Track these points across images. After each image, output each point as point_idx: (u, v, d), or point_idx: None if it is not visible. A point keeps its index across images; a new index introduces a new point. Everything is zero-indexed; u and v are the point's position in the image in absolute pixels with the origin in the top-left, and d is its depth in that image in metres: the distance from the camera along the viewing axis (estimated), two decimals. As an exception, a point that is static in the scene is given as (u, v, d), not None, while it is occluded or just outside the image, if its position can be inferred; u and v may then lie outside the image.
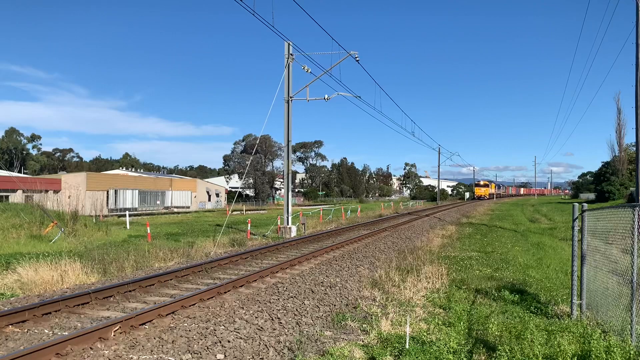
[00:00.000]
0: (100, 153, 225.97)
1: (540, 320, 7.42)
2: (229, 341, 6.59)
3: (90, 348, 6.25)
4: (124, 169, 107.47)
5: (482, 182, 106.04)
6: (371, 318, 7.97)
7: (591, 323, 7.00)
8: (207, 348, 6.32)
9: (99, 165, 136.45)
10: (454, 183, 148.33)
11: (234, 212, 53.35)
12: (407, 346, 6.19)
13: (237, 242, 19.11)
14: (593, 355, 5.46)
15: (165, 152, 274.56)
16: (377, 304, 9.11)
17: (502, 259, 15.05)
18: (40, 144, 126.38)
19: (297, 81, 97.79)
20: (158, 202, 64.71)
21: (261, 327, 7.33)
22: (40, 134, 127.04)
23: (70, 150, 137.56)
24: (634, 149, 18.67)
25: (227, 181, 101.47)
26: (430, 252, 15.99)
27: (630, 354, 5.47)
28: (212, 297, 9.26)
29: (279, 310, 8.37)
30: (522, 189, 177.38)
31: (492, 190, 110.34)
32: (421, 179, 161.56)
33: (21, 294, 9.75)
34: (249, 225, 24.21)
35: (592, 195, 78.12)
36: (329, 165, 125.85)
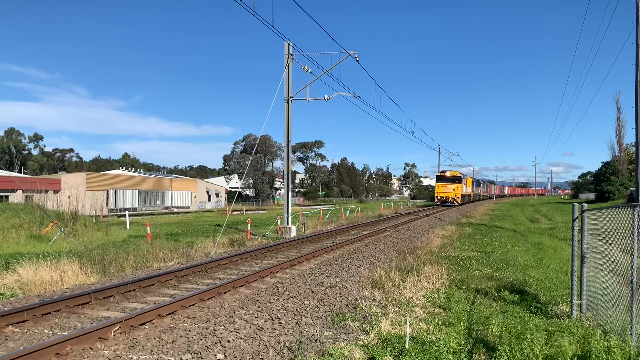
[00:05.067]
0: (100, 153, 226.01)
1: (540, 321, 7.42)
2: (228, 341, 6.59)
3: (90, 348, 6.25)
4: (123, 169, 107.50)
5: (448, 174, 57.80)
6: (371, 318, 7.96)
7: (591, 323, 7.00)
8: (207, 348, 6.32)
9: (99, 165, 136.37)
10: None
11: (234, 212, 53.35)
12: (407, 346, 6.18)
13: (237, 242, 19.11)
14: (593, 356, 5.45)
15: (165, 152, 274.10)
16: (377, 304, 9.10)
17: (502, 259, 15.04)
18: (44, 145, 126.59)
19: (297, 81, 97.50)
20: (158, 202, 64.73)
21: (261, 327, 7.33)
22: (41, 134, 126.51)
23: (71, 150, 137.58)
24: (634, 149, 18.68)
25: (227, 181, 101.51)
26: (430, 252, 15.98)
27: (630, 354, 5.47)
28: (212, 297, 9.26)
29: (278, 310, 8.37)
30: (506, 187, 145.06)
31: (467, 188, 64.03)
32: (421, 179, 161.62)
33: (21, 294, 9.75)
34: (249, 225, 24.20)
35: (592, 195, 78.15)
36: (329, 165, 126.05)
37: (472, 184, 70.22)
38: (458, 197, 56.38)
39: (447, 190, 56.48)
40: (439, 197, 56.89)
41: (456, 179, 56.88)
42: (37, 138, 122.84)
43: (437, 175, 59.80)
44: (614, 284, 6.68)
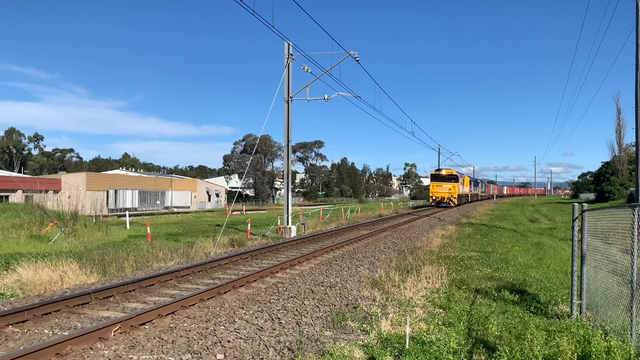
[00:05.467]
0: (100, 153, 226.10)
1: (540, 321, 7.42)
2: (229, 341, 6.59)
3: (90, 348, 6.26)
4: (123, 169, 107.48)
5: (443, 172, 53.19)
6: (371, 318, 7.96)
7: (591, 323, 7.00)
8: (207, 348, 6.32)
9: (99, 165, 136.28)
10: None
11: (234, 212, 53.35)
12: (407, 346, 6.19)
13: (237, 242, 19.11)
14: (593, 356, 5.46)
15: (165, 152, 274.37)
16: (377, 304, 9.10)
17: (502, 259, 15.05)
18: (44, 145, 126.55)
19: (297, 81, 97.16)
20: (158, 202, 64.72)
21: (261, 327, 7.33)
22: (41, 134, 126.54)
23: (71, 150, 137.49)
24: (634, 149, 18.68)
25: (227, 181, 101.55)
26: (430, 252, 15.98)
27: (630, 354, 5.47)
28: (212, 297, 9.26)
29: (278, 310, 8.37)
30: (505, 187, 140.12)
31: (464, 188, 59.26)
32: (421, 179, 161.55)
33: (21, 294, 9.75)
34: (249, 225, 24.20)
35: (592, 196, 78.13)
36: (329, 166, 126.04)
37: (470, 184, 65.60)
38: (454, 198, 52.20)
39: (442, 190, 51.89)
40: (433, 198, 52.45)
41: (452, 178, 52.25)
42: (37, 138, 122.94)
43: (431, 174, 54.44)
44: (614, 284, 6.68)
